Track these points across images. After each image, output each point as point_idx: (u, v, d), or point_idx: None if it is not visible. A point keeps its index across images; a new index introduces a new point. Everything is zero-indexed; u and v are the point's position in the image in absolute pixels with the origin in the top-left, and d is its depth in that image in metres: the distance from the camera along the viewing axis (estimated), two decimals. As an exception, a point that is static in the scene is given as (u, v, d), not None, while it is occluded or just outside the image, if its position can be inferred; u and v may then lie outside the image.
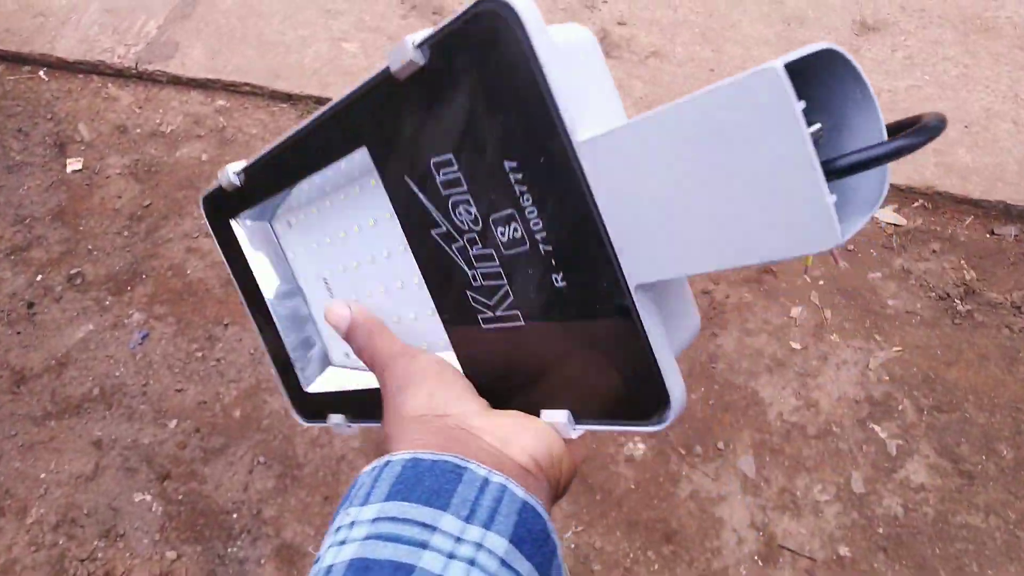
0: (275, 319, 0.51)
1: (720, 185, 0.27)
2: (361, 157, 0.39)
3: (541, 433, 0.35)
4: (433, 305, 0.40)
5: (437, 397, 0.36)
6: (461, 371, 0.39)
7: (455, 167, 0.35)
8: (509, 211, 0.34)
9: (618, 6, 2.07)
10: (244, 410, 1.42)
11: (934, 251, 1.62)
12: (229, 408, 1.43)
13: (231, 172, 0.47)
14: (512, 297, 0.35)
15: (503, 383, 0.38)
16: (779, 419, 1.40)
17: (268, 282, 0.51)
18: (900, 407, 1.41)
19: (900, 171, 1.71)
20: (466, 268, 0.37)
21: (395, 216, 0.39)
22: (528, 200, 0.33)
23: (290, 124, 1.88)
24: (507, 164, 0.33)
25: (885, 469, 1.33)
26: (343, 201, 0.45)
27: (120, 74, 1.97)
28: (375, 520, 0.30)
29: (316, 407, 0.51)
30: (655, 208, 0.29)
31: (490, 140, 0.33)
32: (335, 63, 1.94)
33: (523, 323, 0.35)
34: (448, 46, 0.33)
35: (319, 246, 0.48)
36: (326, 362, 0.53)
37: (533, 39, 0.30)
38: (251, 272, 0.51)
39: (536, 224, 0.33)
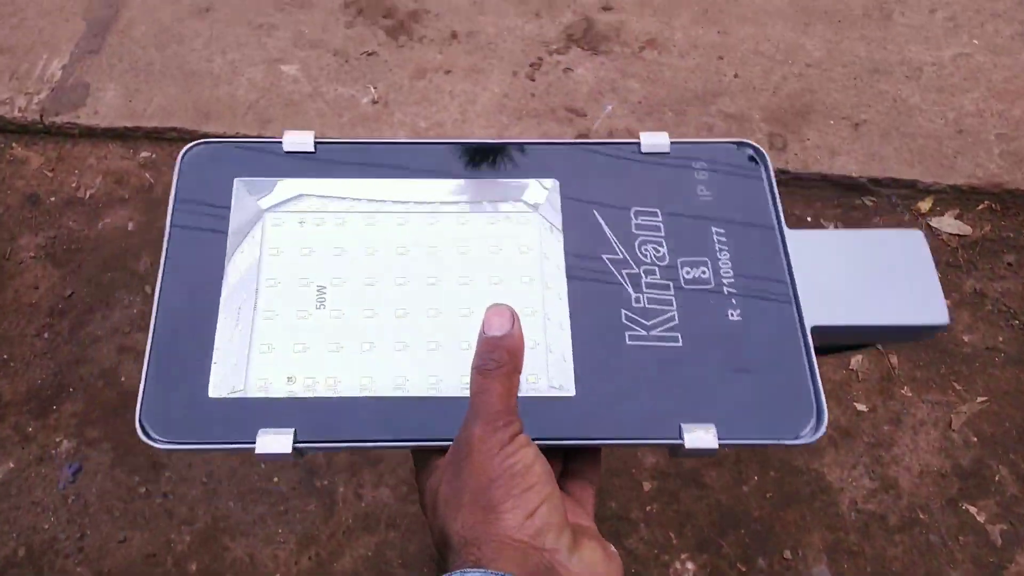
0: (220, 303, 0.43)
1: (878, 278, 0.44)
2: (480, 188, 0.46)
3: (616, 572, 0.36)
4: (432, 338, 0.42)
5: (540, 521, 0.34)
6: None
7: (658, 218, 0.45)
8: (703, 259, 0.44)
9: (601, -14, 1.75)
10: (201, 562, 1.17)
11: (1010, 264, 1.35)
12: (183, 560, 1.17)
13: (305, 137, 0.47)
14: (676, 321, 0.42)
15: (629, 394, 0.41)
16: (853, 509, 1.14)
17: (238, 263, 0.45)
18: (996, 477, 1.16)
19: (959, 167, 1.42)
20: (631, 291, 0.43)
21: (436, 249, 0.44)
22: (725, 255, 0.44)
23: (229, 173, 1.59)
24: (715, 230, 0.45)
25: (991, 566, 1.09)
26: (389, 218, 0.46)
27: (25, 130, 1.66)
28: None
29: (215, 421, 0.40)
30: (834, 280, 0.44)
31: (706, 215, 0.45)
32: (274, 91, 1.64)
33: (680, 344, 0.42)
34: (696, 154, 0.48)
35: (332, 254, 0.45)
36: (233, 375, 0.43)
37: (773, 181, 0.47)
38: (218, 240, 0.45)
39: (727, 272, 0.44)
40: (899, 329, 0.43)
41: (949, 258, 1.37)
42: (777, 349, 0.41)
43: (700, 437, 0.39)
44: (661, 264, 0.44)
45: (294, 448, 0.39)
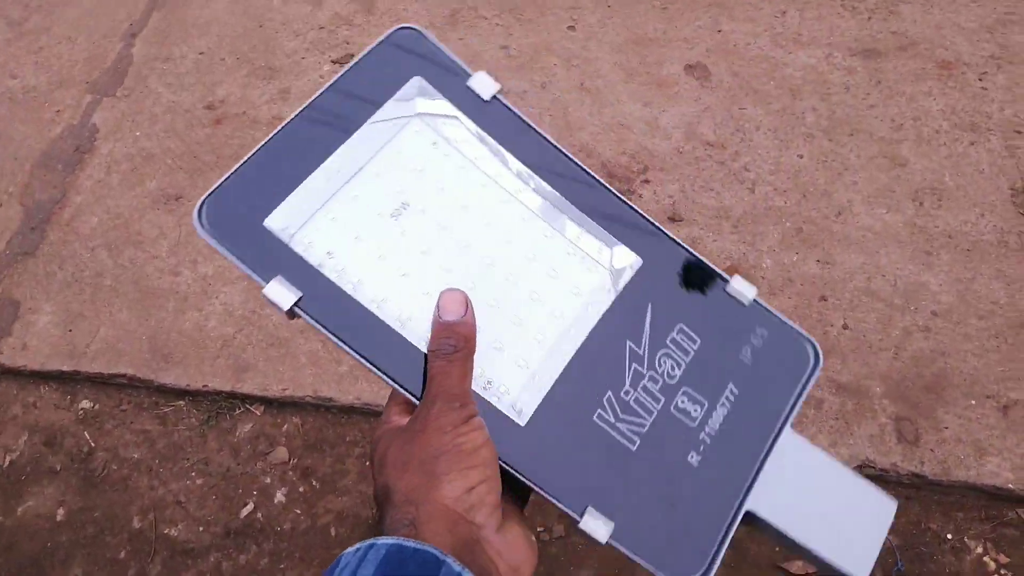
0: (329, 159, 0.45)
1: (831, 511, 0.45)
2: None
3: (533, 560, 0.39)
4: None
5: (476, 497, 0.37)
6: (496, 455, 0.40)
7: (695, 344, 0.46)
8: (703, 400, 0.45)
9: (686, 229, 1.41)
10: None
11: None
12: None
13: (493, 88, 0.48)
14: (643, 430, 0.44)
15: (567, 456, 0.42)
16: None
17: (363, 140, 0.46)
18: None
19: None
20: (628, 383, 0.44)
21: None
22: (723, 410, 0.45)
23: (190, 432, 1.23)
24: (731, 387, 0.46)
25: None
26: (498, 191, 0.47)
27: (-68, 360, 1.31)
28: None
29: (252, 243, 0.42)
30: (793, 487, 0.45)
31: (734, 372, 0.46)
32: (255, 323, 1.28)
33: (634, 449, 0.43)
34: (765, 323, 0.48)
35: (435, 187, 0.46)
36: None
37: (809, 385, 0.48)
38: (366, 110, 0.47)
39: (714, 423, 0.45)
40: (819, 560, 0.44)
41: None
42: (708, 505, 0.43)
43: (594, 526, 0.41)
44: (667, 380, 0.45)
45: (291, 308, 0.41)
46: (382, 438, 0.41)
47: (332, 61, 1.65)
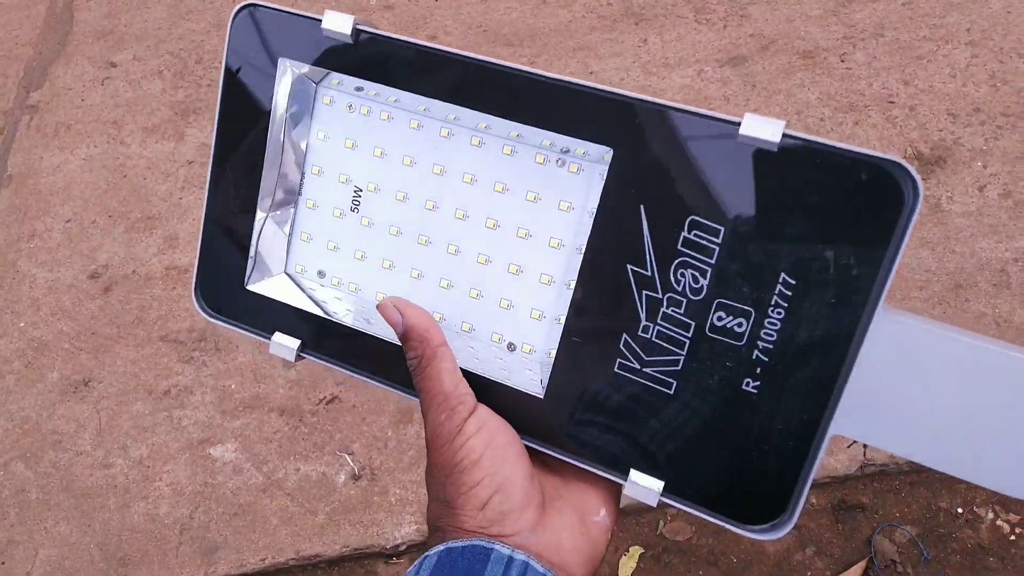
0: (262, 180, 0.42)
1: (970, 413, 0.32)
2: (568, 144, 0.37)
3: (592, 546, 0.37)
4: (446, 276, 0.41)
5: (492, 512, 0.36)
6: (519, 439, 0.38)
7: (717, 239, 0.34)
8: (747, 308, 0.34)
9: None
10: None
11: None
12: None
13: (348, 21, 0.40)
14: (679, 368, 0.36)
15: (596, 418, 0.37)
16: None
17: (283, 141, 0.43)
18: None
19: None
20: (644, 317, 0.36)
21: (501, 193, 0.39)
22: (778, 314, 0.34)
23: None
24: (784, 278, 0.33)
25: None
26: (434, 126, 0.40)
27: None
28: None
29: (248, 312, 0.43)
30: (903, 396, 0.33)
31: (782, 256, 0.33)
32: (210, 495, 1.18)
33: (672, 392, 0.36)
34: (816, 160, 0.33)
35: (372, 153, 0.42)
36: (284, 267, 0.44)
37: (907, 235, 0.32)
38: (262, 116, 0.42)
39: (769, 335, 0.34)
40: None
41: None
42: (780, 438, 0.34)
43: (640, 489, 0.36)
44: (693, 298, 0.35)
45: (297, 355, 0.42)
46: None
47: (213, 193, 1.56)
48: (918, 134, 1.46)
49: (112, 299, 1.42)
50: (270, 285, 0.44)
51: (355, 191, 0.42)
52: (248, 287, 0.43)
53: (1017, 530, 1.12)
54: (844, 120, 1.51)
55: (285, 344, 0.42)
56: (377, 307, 0.40)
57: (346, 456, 1.19)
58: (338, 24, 0.40)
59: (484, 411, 0.38)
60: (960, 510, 1.13)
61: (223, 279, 0.44)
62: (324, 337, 0.42)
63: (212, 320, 0.44)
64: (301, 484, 1.18)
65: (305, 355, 0.43)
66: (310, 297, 0.43)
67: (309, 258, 0.44)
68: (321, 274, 0.43)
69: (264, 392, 1.26)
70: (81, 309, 1.42)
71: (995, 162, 1.40)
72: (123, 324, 1.38)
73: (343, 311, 0.42)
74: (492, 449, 0.37)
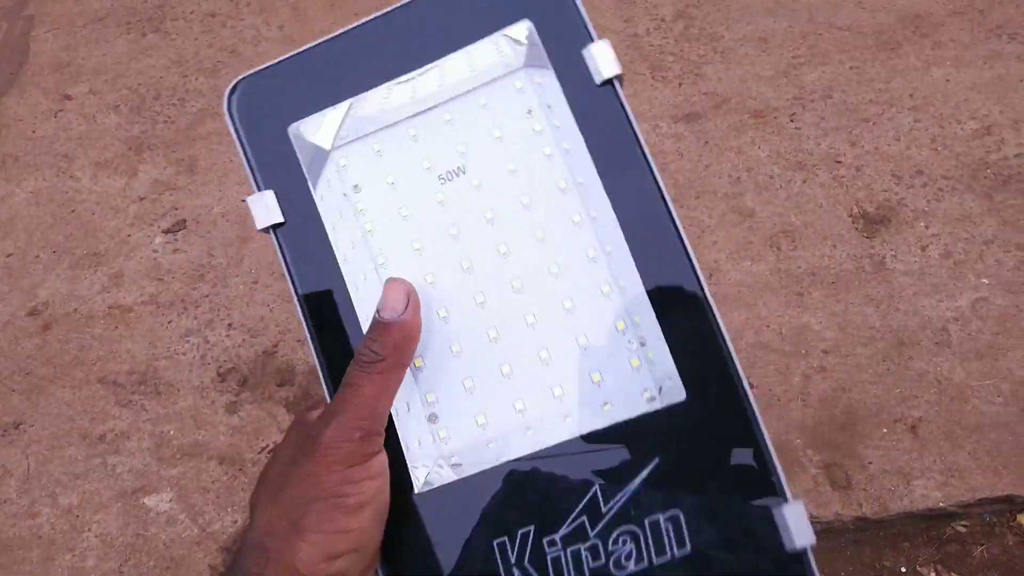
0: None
1: None
2: None
3: None
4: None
5: (336, 569, 0.30)
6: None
7: (682, 549, 0.32)
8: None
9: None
10: None
11: None
12: None
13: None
14: None
15: (432, 553, 0.33)
16: None
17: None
18: None
19: None
20: (561, 530, 0.33)
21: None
22: None
23: None
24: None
25: None
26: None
27: None
28: None
29: (270, 146, 0.38)
30: None
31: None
32: (143, 546, 1.13)
33: None
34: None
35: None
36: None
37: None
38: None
39: None
40: None
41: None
42: None
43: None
44: (612, 569, 0.33)
45: (266, 228, 0.38)
46: (289, 432, 0.36)
47: (164, 231, 1.54)
48: (864, 194, 1.50)
49: (51, 338, 1.38)
50: (318, 143, 0.40)
51: (459, 167, 0.37)
52: (289, 131, 0.40)
53: (958, 589, 1.13)
54: (793, 178, 1.54)
55: (266, 209, 0.38)
56: (388, 280, 0.34)
57: (287, 507, 1.16)
58: (602, 62, 0.36)
59: (385, 458, 0.34)
60: (904, 569, 1.14)
61: (278, 99, 0.39)
62: (304, 241, 0.38)
63: (230, 127, 0.40)
64: (238, 538, 1.14)
65: (273, 235, 0.38)
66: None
67: (360, 165, 0.39)
68: (356, 188, 0.39)
69: (204, 439, 1.23)
70: (17, 348, 1.37)
71: (936, 223, 1.45)
72: (60, 364, 1.34)
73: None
74: (379, 503, 0.33)
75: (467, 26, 0.37)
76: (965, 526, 1.17)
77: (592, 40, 0.36)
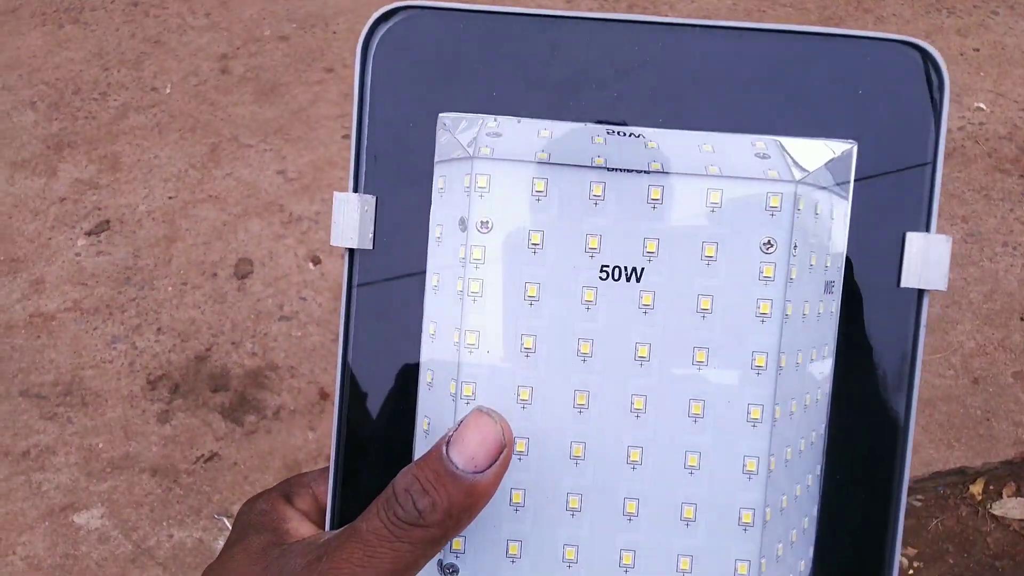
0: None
1: None
2: None
3: None
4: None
5: None
6: None
7: None
8: None
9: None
10: None
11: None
12: None
13: None
14: None
15: None
16: None
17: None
18: None
19: (998, 432, 1.17)
20: None
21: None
22: None
23: None
24: None
25: None
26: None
27: None
28: None
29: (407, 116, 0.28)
30: None
31: None
32: (74, 565, 1.07)
33: None
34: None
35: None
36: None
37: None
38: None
39: None
40: None
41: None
42: None
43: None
44: None
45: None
46: (237, 526, 0.28)
47: (87, 233, 1.45)
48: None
49: (-34, 351, 1.29)
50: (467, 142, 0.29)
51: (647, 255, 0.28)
52: (441, 116, 0.29)
53: (916, 564, 1.13)
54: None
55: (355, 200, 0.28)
56: (477, 410, 0.25)
57: (225, 520, 1.10)
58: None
59: None
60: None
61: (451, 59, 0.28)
62: (394, 255, 0.29)
63: (357, 64, 0.28)
64: (175, 552, 1.08)
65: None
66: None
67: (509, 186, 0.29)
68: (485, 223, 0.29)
69: (135, 451, 1.16)
70: (-71, 363, 1.29)
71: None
72: (-23, 379, 1.25)
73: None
74: None
75: (790, 109, 0.27)
76: (920, 500, 1.17)
77: (927, 229, 0.27)
